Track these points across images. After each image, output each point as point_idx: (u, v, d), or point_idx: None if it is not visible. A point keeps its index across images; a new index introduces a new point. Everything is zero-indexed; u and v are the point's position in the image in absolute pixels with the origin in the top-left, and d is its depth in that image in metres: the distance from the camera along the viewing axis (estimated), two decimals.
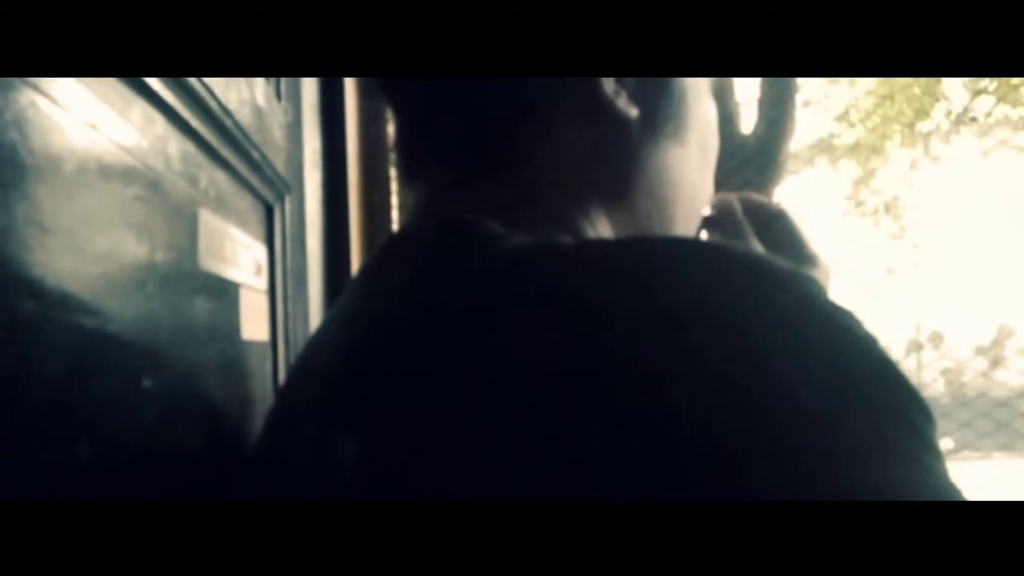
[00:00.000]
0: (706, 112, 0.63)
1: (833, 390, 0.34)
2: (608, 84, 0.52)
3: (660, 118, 0.56)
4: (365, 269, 0.54)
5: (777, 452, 0.33)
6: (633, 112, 0.53)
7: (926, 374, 9.39)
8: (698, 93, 0.60)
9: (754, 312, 0.37)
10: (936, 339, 9.59)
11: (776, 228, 0.76)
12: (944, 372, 9.39)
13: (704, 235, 0.73)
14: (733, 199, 0.76)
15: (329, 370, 0.48)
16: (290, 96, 0.95)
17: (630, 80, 0.53)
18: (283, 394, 0.55)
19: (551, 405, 0.34)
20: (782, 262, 0.42)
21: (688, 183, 0.60)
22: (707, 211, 0.72)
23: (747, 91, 4.24)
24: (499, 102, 0.53)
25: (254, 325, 0.74)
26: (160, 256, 0.50)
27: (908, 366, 9.50)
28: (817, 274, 0.73)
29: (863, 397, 0.35)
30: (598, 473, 0.33)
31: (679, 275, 0.39)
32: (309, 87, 1.07)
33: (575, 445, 0.33)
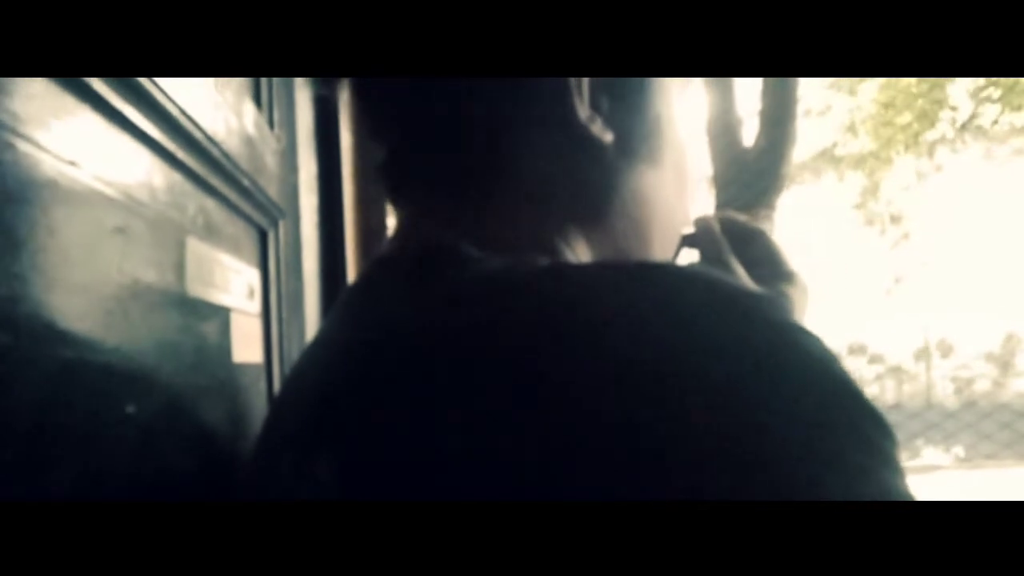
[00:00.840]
0: (680, 135, 0.64)
1: (784, 405, 0.36)
2: (583, 109, 0.53)
3: (635, 142, 0.57)
4: (347, 294, 0.55)
5: (725, 467, 0.34)
6: (608, 137, 0.54)
7: (935, 381, 9.37)
8: (672, 116, 0.61)
9: (709, 332, 0.38)
10: (945, 347, 9.56)
11: (754, 246, 0.77)
12: (953, 379, 9.36)
13: (683, 254, 0.74)
14: (712, 218, 0.77)
15: (308, 396, 0.49)
16: (283, 123, 0.98)
17: (605, 105, 0.54)
18: (268, 420, 0.56)
19: (527, 427, 0.36)
20: (741, 284, 0.44)
21: (664, 204, 0.62)
22: (687, 230, 0.73)
23: (748, 103, 4.24)
24: (476, 129, 0.54)
25: (247, 348, 0.76)
26: (144, 285, 0.51)
27: (917, 374, 9.46)
28: (793, 291, 0.74)
29: (816, 412, 0.36)
30: (571, 491, 0.34)
31: (639, 299, 0.40)
32: (303, 112, 1.09)
33: (550, 468, 0.35)
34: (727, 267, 0.71)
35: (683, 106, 0.66)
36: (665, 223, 0.63)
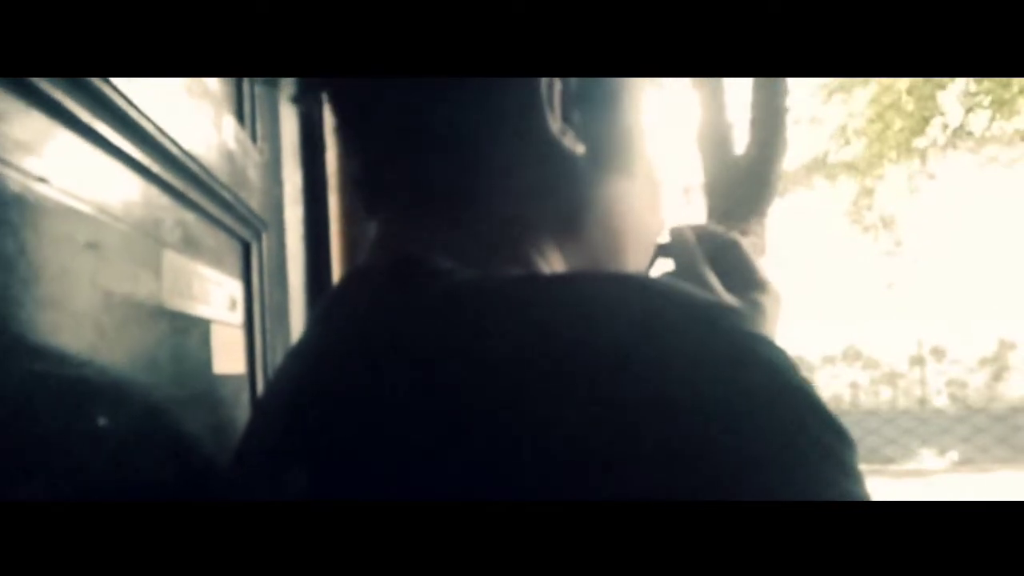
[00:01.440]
0: (653, 146, 0.65)
1: (742, 416, 0.36)
2: (554, 122, 0.53)
3: (607, 153, 0.58)
4: (322, 305, 0.56)
5: (685, 476, 0.35)
6: (579, 149, 0.55)
7: (929, 386, 9.39)
8: (644, 128, 0.62)
9: (669, 343, 0.39)
10: (938, 353, 9.58)
11: (728, 256, 0.77)
12: (948, 384, 9.38)
13: (658, 263, 0.75)
14: (687, 229, 0.78)
15: (280, 406, 0.50)
16: (267, 136, 0.99)
17: (576, 117, 0.55)
18: (245, 430, 0.57)
19: (493, 433, 0.37)
20: (702, 295, 0.45)
21: (637, 215, 0.62)
22: (661, 240, 0.74)
23: (739, 112, 4.27)
24: (447, 142, 0.54)
25: (229, 359, 0.77)
26: (118, 298, 0.52)
27: (911, 380, 9.48)
28: (766, 300, 0.74)
29: (775, 423, 0.37)
30: (535, 495, 0.35)
31: (600, 309, 0.41)
32: (288, 125, 1.10)
33: (517, 472, 0.36)
34: (700, 276, 0.72)
35: (656, 117, 0.67)
36: (638, 233, 0.64)
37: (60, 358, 0.45)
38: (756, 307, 0.73)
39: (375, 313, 0.48)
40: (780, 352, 0.41)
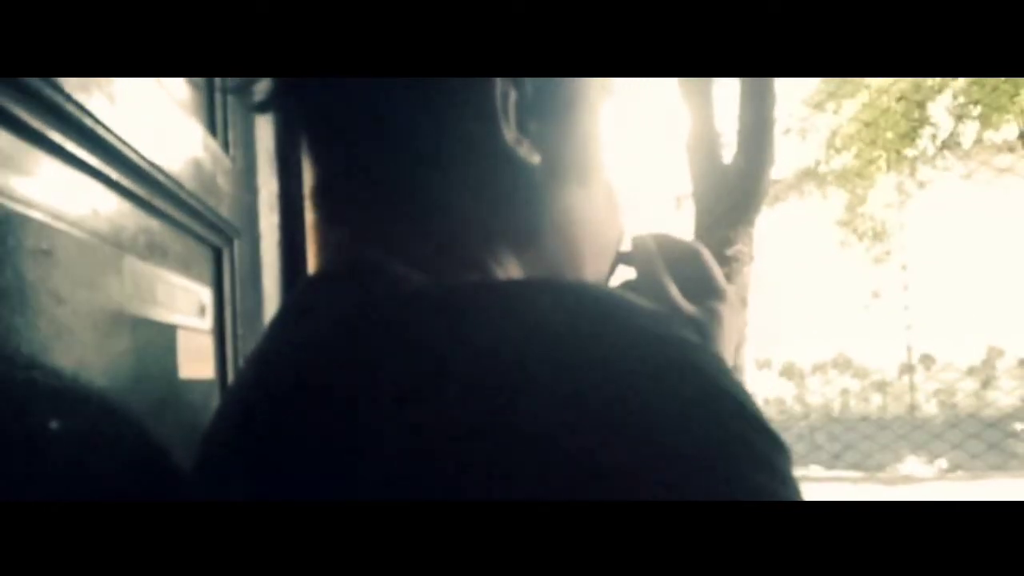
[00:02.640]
0: (611, 155, 0.66)
1: (675, 422, 0.37)
2: (509, 132, 0.54)
3: (563, 163, 0.59)
4: (278, 313, 0.56)
5: (618, 482, 0.36)
6: (535, 158, 0.56)
7: (918, 395, 9.41)
8: (601, 136, 0.63)
9: (602, 350, 0.40)
10: (927, 360, 9.60)
11: (689, 265, 0.78)
12: (936, 393, 9.40)
13: (619, 271, 0.75)
14: (648, 237, 0.79)
15: (231, 413, 0.51)
16: (240, 144, 1.00)
17: (533, 127, 0.56)
18: (201, 437, 0.58)
19: (435, 445, 0.37)
20: (640, 304, 0.46)
21: (595, 224, 0.63)
22: (623, 248, 0.75)
23: (727, 121, 4.28)
24: (403, 151, 0.55)
25: (197, 364, 0.78)
26: (73, 304, 0.54)
27: (900, 387, 9.51)
28: (724, 309, 0.75)
29: (708, 429, 0.37)
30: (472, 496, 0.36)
31: (530, 317, 0.42)
32: (264, 133, 1.11)
33: (462, 478, 0.36)
34: (660, 284, 0.73)
35: (629, 126, 0.68)
36: (597, 241, 0.65)
37: (10, 361, 0.46)
38: (713, 315, 0.74)
39: (329, 319, 0.49)
40: (712, 358, 0.41)
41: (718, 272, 0.79)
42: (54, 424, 0.49)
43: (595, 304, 0.43)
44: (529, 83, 0.55)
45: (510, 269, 0.57)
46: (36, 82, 0.49)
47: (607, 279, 0.72)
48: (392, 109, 0.54)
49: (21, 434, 0.47)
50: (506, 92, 0.54)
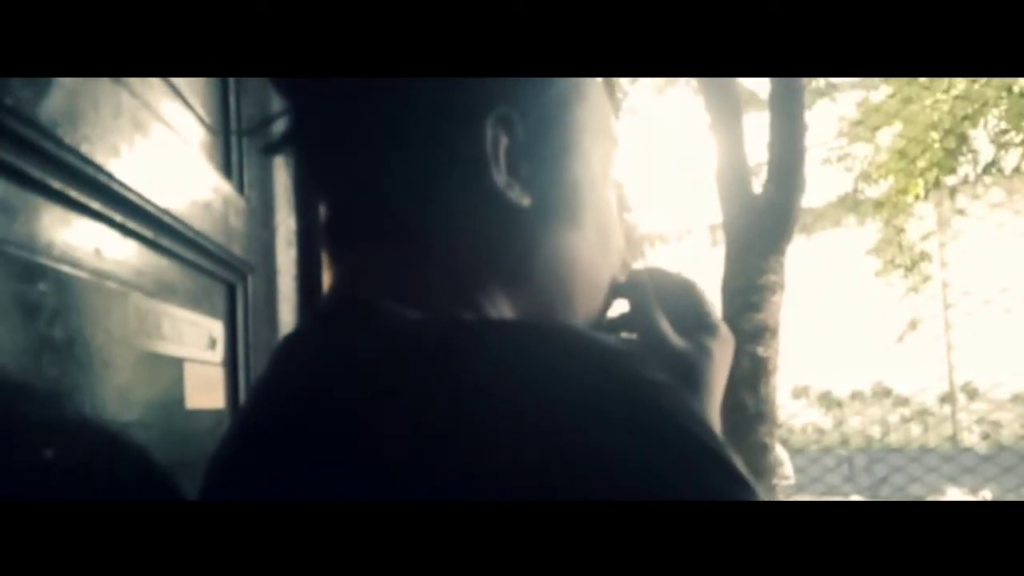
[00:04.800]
0: (603, 196, 0.67)
1: (638, 462, 0.40)
2: (499, 177, 0.57)
3: (553, 205, 0.61)
4: (280, 347, 0.59)
5: None
6: (525, 201, 0.58)
7: (960, 425, 9.24)
8: (593, 180, 0.65)
9: (569, 391, 0.42)
10: (969, 390, 9.43)
11: (682, 300, 0.79)
12: (979, 422, 9.23)
13: (613, 305, 0.77)
14: (642, 272, 0.80)
15: (231, 438, 0.54)
16: (255, 184, 1.04)
17: (524, 171, 0.58)
18: (209, 459, 0.61)
19: (422, 468, 0.40)
20: (608, 343, 0.48)
21: (586, 263, 0.65)
22: (616, 284, 0.76)
23: (756, 150, 4.28)
24: (401, 191, 0.58)
25: (205, 395, 0.82)
26: (79, 340, 0.57)
27: (941, 417, 9.33)
28: (715, 344, 0.76)
29: (662, 465, 0.40)
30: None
31: (502, 356, 0.45)
32: (281, 172, 1.15)
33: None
34: (651, 318, 0.74)
35: (608, 169, 0.70)
36: (589, 280, 0.66)
37: (12, 395, 0.49)
38: (703, 350, 0.75)
39: (321, 354, 0.52)
40: (679, 400, 0.44)
41: (711, 307, 0.81)
42: (49, 454, 0.52)
43: (568, 347, 0.46)
44: (521, 128, 0.58)
45: (502, 307, 0.59)
46: (54, 146, 0.53)
47: (601, 315, 0.73)
48: (387, 153, 0.57)
49: (23, 462, 0.50)
50: (497, 137, 0.56)
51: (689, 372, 0.70)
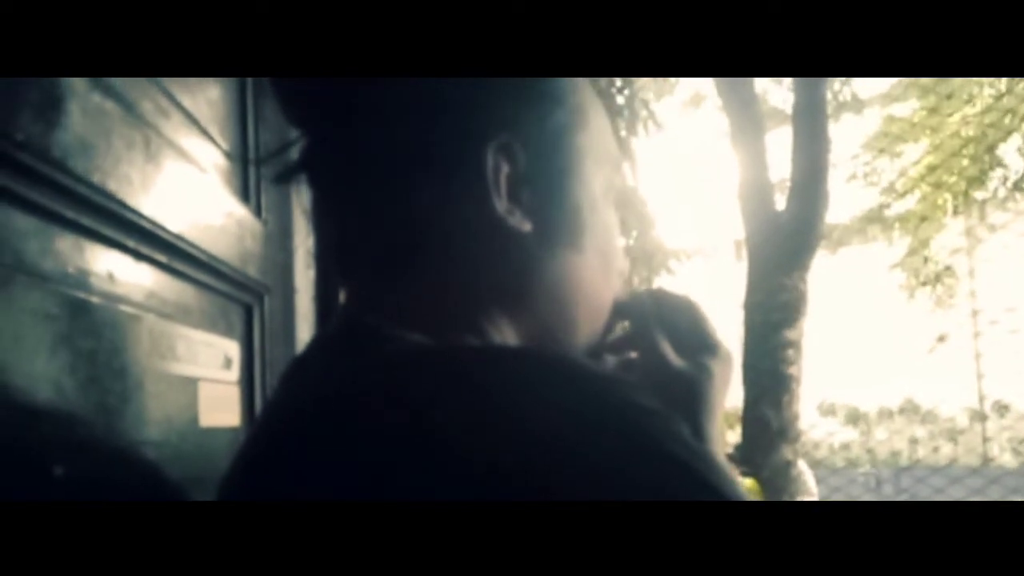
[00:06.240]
0: (604, 220, 0.68)
1: (610, 484, 0.41)
2: (500, 203, 0.58)
3: (554, 230, 0.62)
4: (287, 369, 0.60)
5: None
6: (526, 226, 0.59)
7: (992, 445, 9.11)
8: (594, 204, 0.66)
9: (555, 416, 0.44)
10: (1001, 409, 9.31)
11: (683, 320, 0.80)
12: (1010, 441, 9.10)
13: (614, 329, 0.78)
14: (645, 293, 0.81)
15: (239, 457, 0.56)
16: (274, 207, 1.07)
17: (525, 197, 0.60)
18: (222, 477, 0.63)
19: (414, 489, 0.41)
20: (598, 371, 0.50)
21: (588, 287, 0.66)
22: (618, 305, 0.77)
23: (779, 167, 4.29)
24: (402, 220, 0.60)
25: (220, 414, 0.84)
26: (94, 361, 0.60)
27: (972, 436, 9.20)
28: (714, 363, 0.76)
29: (641, 490, 0.41)
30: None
31: (497, 383, 0.46)
32: (300, 196, 1.18)
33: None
34: (652, 339, 0.75)
35: (609, 193, 0.71)
36: (591, 302, 0.67)
37: (26, 415, 0.52)
38: (703, 369, 0.76)
39: (327, 376, 0.54)
40: (662, 424, 0.46)
41: (712, 327, 0.82)
42: (59, 471, 0.55)
43: (558, 373, 0.47)
44: (522, 156, 0.59)
45: (505, 331, 0.61)
46: (67, 177, 0.55)
47: (603, 336, 0.74)
48: (390, 179, 0.59)
49: (31, 477, 0.52)
50: (498, 165, 0.58)
51: (689, 392, 0.71)
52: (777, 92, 6.91)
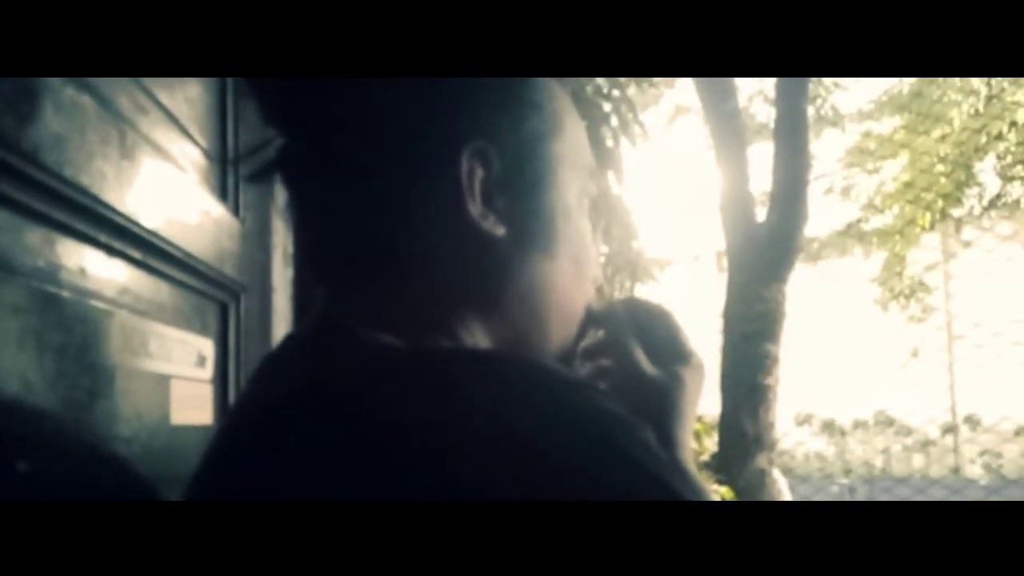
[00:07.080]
0: (578, 227, 0.69)
1: (577, 489, 0.42)
2: (474, 207, 0.58)
3: (528, 236, 0.62)
4: (258, 368, 0.60)
5: None
6: (500, 231, 0.60)
7: (963, 457, 9.19)
8: (568, 211, 0.66)
9: (524, 418, 0.44)
10: (972, 421, 9.40)
11: (656, 328, 0.80)
12: (982, 454, 9.19)
13: (587, 334, 0.78)
14: (618, 302, 0.81)
15: (208, 454, 0.56)
16: (252, 206, 1.07)
17: (499, 203, 0.60)
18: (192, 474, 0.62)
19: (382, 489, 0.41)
20: (568, 375, 0.50)
21: (560, 293, 0.66)
22: (592, 313, 0.77)
23: (759, 180, 4.32)
24: (378, 219, 0.60)
25: (192, 411, 0.84)
26: (61, 356, 0.60)
27: (944, 448, 9.29)
28: (687, 372, 0.76)
29: (606, 496, 0.42)
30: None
31: (468, 385, 0.46)
32: (278, 195, 1.18)
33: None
34: (626, 347, 0.75)
35: (584, 200, 0.71)
36: (562, 308, 0.68)
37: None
38: (676, 378, 0.76)
39: (299, 375, 0.54)
40: (629, 430, 0.46)
41: (685, 335, 0.82)
42: (24, 467, 0.54)
43: (525, 377, 0.48)
44: (497, 161, 0.59)
45: (477, 335, 0.61)
46: (39, 171, 0.55)
47: (576, 343, 0.74)
48: (365, 182, 0.59)
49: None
50: (473, 169, 0.58)
51: (660, 400, 0.71)
52: (761, 107, 6.95)
